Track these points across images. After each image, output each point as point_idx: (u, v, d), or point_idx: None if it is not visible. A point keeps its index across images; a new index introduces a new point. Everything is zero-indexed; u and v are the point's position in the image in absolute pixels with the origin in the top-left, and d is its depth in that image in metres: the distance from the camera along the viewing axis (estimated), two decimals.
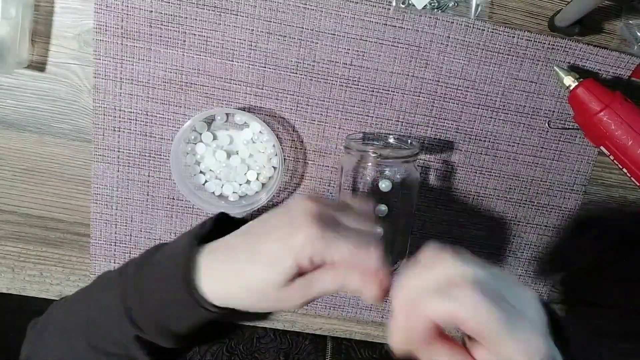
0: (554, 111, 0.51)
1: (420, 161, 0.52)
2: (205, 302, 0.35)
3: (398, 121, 0.51)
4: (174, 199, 0.52)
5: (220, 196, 0.51)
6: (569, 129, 0.51)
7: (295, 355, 0.55)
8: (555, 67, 0.47)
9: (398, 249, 0.49)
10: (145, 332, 0.38)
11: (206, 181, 0.51)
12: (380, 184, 0.46)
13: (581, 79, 0.46)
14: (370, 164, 0.45)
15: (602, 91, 0.45)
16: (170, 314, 0.37)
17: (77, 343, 0.42)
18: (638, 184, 0.47)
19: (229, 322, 0.56)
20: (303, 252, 0.33)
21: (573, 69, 0.48)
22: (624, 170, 0.47)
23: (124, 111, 0.49)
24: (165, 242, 0.43)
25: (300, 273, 0.34)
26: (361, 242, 0.33)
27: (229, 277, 0.35)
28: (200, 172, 0.51)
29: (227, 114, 0.50)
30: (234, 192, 0.51)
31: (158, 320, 0.38)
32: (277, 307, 0.36)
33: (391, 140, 0.50)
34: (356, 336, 0.58)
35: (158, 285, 0.37)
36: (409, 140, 0.50)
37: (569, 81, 0.46)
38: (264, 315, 0.57)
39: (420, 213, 0.53)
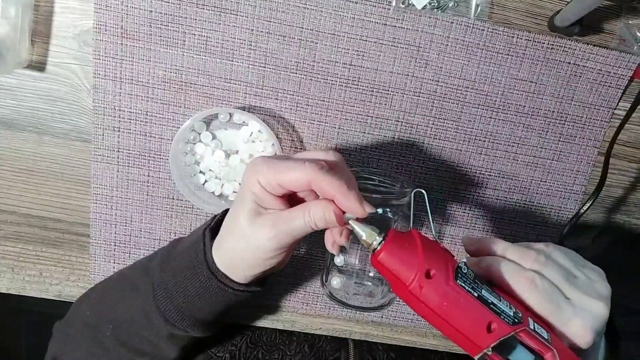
0: (554, 111, 0.51)
1: (420, 161, 0.52)
2: (227, 280, 0.40)
3: (398, 121, 0.51)
4: (173, 199, 0.52)
5: (220, 196, 0.51)
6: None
7: (318, 346, 0.55)
8: (350, 222, 0.37)
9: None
10: (177, 327, 0.42)
11: (206, 181, 0.51)
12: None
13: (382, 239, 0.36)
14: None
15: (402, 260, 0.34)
16: (199, 302, 0.41)
17: (105, 339, 0.45)
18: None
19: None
20: (252, 179, 0.36)
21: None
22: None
23: (124, 111, 0.49)
24: (180, 237, 0.48)
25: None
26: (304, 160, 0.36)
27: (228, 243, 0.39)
28: (200, 172, 0.51)
29: (226, 114, 0.50)
30: (233, 192, 0.51)
31: (188, 312, 0.42)
32: (262, 248, 0.37)
33: (381, 186, 0.47)
34: (356, 336, 0.58)
35: (184, 278, 0.41)
36: (400, 183, 0.48)
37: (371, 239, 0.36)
38: (265, 313, 0.57)
39: (420, 213, 0.53)
